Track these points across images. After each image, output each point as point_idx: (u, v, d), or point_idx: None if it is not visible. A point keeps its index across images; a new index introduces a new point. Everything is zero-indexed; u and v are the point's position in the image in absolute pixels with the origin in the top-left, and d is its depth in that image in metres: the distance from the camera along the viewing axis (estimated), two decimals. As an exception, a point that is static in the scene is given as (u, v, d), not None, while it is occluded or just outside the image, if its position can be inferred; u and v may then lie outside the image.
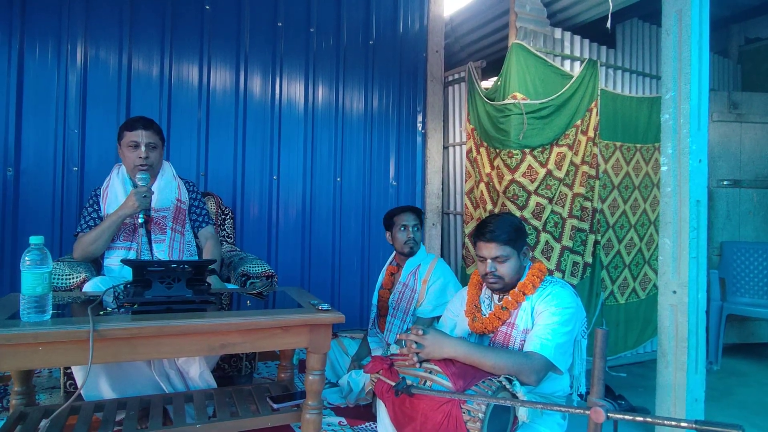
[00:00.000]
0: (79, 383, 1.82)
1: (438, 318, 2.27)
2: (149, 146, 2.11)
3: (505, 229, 1.64)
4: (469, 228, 3.25)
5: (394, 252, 2.60)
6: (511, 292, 1.68)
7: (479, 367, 1.45)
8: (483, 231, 1.67)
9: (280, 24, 3.25)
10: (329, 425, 2.10)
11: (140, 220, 2.07)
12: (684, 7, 1.95)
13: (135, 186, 2.10)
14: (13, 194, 2.61)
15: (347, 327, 3.37)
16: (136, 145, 2.09)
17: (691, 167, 1.92)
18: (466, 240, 3.27)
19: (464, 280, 3.09)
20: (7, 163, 2.59)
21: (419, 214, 2.54)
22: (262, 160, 3.23)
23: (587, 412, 0.95)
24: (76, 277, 1.92)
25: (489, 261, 1.65)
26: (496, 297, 1.74)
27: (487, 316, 1.70)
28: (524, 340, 1.59)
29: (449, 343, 1.48)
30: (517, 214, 2.73)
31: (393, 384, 1.43)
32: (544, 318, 1.57)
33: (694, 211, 1.92)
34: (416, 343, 1.48)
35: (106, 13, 2.78)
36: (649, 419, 0.93)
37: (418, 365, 1.47)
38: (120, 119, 2.79)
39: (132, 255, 2.10)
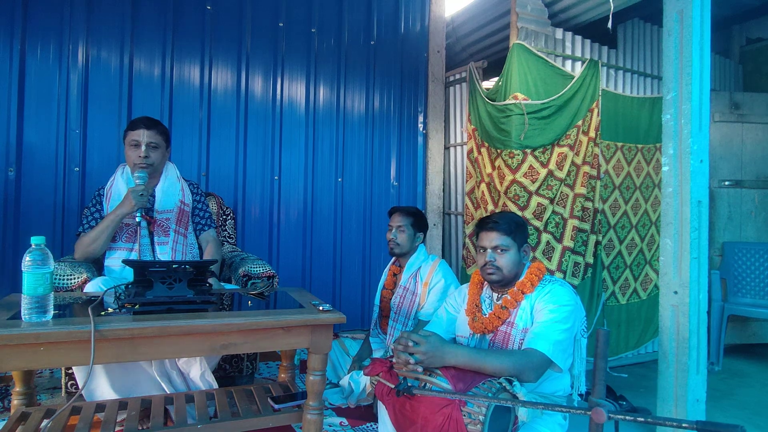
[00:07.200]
0: (80, 383, 1.82)
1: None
2: (150, 146, 2.12)
3: (507, 221, 1.69)
4: (470, 228, 3.25)
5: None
6: (510, 291, 1.69)
7: (481, 372, 1.44)
8: (486, 221, 1.72)
9: (281, 24, 3.25)
10: (330, 426, 2.10)
11: (137, 219, 2.07)
12: (685, 8, 1.95)
13: None
14: (15, 194, 2.61)
15: (348, 327, 3.37)
16: (137, 144, 2.11)
17: (693, 168, 1.92)
18: (467, 240, 3.27)
19: (465, 280, 3.09)
20: (9, 163, 2.60)
21: (411, 215, 2.47)
22: (263, 161, 3.23)
23: (588, 412, 0.95)
24: (78, 278, 1.93)
25: (489, 251, 1.68)
26: (495, 296, 1.75)
27: (487, 315, 1.71)
28: (523, 339, 1.60)
29: (450, 351, 1.46)
30: (518, 214, 2.73)
31: (393, 386, 1.43)
32: (543, 315, 1.58)
33: (695, 212, 1.92)
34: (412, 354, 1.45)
35: (107, 13, 2.79)
36: (650, 420, 0.93)
37: (419, 369, 1.46)
38: (122, 119, 2.80)
39: (134, 256, 2.11)
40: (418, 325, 2.37)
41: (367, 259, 3.56)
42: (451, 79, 3.71)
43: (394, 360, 1.50)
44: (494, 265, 1.67)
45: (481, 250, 1.71)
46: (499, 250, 1.67)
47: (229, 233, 2.77)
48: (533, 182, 2.75)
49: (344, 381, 2.33)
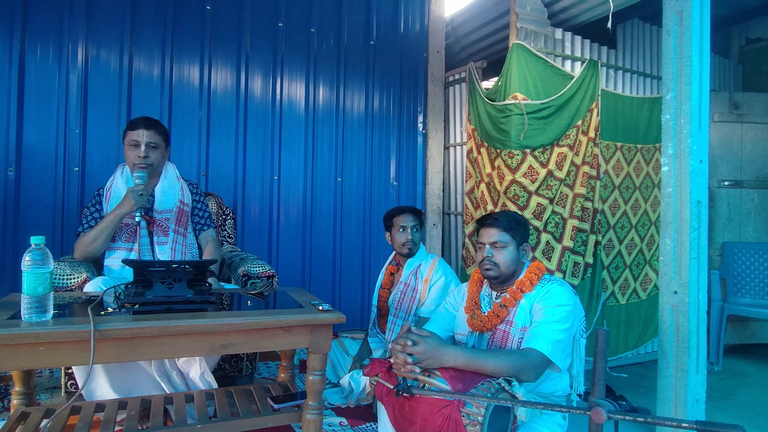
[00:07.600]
0: (80, 383, 1.82)
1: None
2: (149, 146, 2.12)
3: (507, 218, 1.71)
4: (470, 228, 3.25)
5: (394, 252, 2.60)
6: (510, 289, 1.69)
7: (480, 372, 1.44)
8: (486, 218, 1.75)
9: (281, 24, 3.25)
10: (330, 425, 2.10)
11: (137, 218, 2.07)
12: (685, 8, 1.95)
13: None
14: (14, 194, 2.61)
15: (348, 327, 3.37)
16: (137, 144, 2.11)
17: (692, 168, 1.92)
18: (467, 240, 3.27)
19: (464, 280, 3.08)
20: (8, 163, 2.60)
21: (419, 215, 2.52)
22: (263, 160, 3.23)
23: (588, 412, 0.95)
24: (77, 277, 1.93)
25: (487, 246, 1.69)
26: (494, 294, 1.75)
27: (486, 314, 1.71)
28: (522, 338, 1.60)
29: (448, 352, 1.45)
30: (519, 214, 2.74)
31: (392, 387, 1.42)
32: (542, 315, 1.58)
33: (695, 212, 1.92)
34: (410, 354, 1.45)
35: (107, 13, 2.79)
36: (650, 420, 0.93)
37: (417, 370, 1.45)
38: (121, 119, 2.80)
39: (133, 256, 2.11)
40: (419, 322, 2.37)
41: (366, 259, 3.56)
42: (451, 79, 3.71)
43: (392, 360, 1.50)
44: (491, 260, 1.68)
45: (480, 246, 1.73)
46: (497, 246, 1.68)
47: (228, 233, 2.77)
48: (533, 182, 2.75)
49: (344, 380, 2.33)
